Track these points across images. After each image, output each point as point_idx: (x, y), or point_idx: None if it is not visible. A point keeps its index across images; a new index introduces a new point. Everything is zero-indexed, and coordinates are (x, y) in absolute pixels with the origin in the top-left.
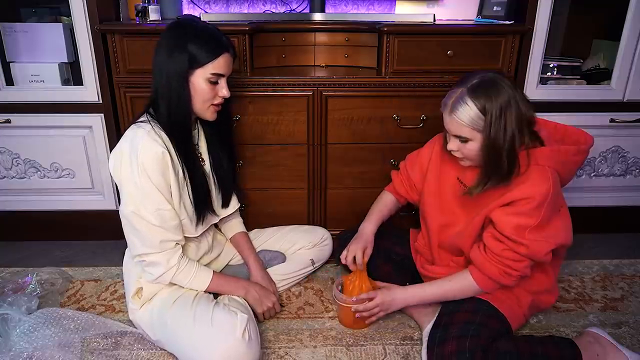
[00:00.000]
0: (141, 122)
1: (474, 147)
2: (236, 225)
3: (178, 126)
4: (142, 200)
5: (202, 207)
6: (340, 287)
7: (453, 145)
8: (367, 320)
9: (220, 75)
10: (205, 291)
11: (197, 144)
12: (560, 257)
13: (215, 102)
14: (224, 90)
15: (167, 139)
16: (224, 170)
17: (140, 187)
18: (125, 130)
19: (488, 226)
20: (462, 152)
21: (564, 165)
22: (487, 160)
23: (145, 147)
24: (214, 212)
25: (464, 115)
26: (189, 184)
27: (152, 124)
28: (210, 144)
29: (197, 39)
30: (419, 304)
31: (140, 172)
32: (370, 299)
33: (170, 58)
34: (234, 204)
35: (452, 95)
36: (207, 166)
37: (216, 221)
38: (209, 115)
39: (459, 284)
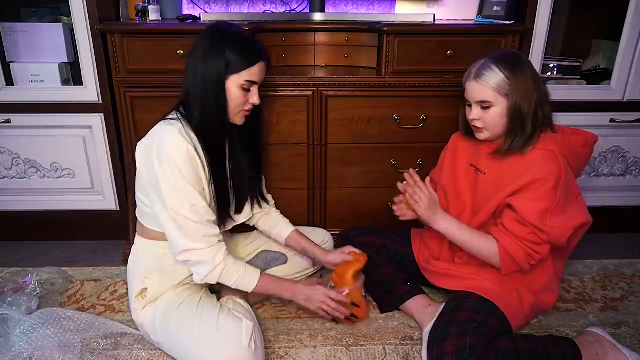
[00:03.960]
0: (171, 119)
1: (496, 113)
2: (285, 225)
3: (212, 130)
4: (178, 197)
5: (224, 209)
6: (332, 285)
7: (475, 113)
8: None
9: (253, 83)
10: (250, 292)
11: None
12: (564, 257)
13: (246, 108)
14: (255, 98)
15: (196, 139)
16: (242, 176)
17: (174, 184)
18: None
19: (507, 211)
20: (483, 120)
21: (573, 154)
22: (513, 122)
23: (177, 144)
24: (231, 217)
25: (490, 79)
26: (213, 186)
27: (183, 123)
28: (233, 149)
29: (235, 45)
30: (448, 233)
31: (173, 169)
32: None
33: (207, 61)
34: (248, 212)
35: (477, 64)
36: (227, 170)
37: (231, 227)
38: (238, 120)
39: (486, 247)
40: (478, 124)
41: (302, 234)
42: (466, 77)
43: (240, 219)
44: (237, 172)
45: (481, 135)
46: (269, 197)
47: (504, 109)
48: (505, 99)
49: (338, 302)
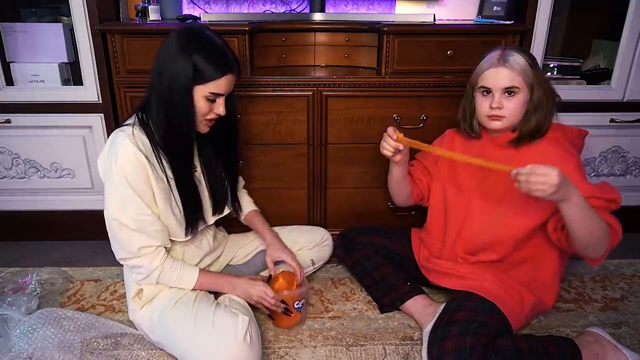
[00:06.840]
0: (125, 125)
1: (519, 101)
2: (247, 205)
3: (178, 137)
4: (123, 205)
5: (191, 213)
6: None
7: (498, 101)
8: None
9: (218, 95)
10: (193, 289)
11: None
12: (566, 256)
13: (209, 117)
14: (220, 108)
15: (149, 144)
16: (217, 178)
17: (120, 192)
18: None
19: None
20: (506, 107)
21: (572, 144)
22: (535, 111)
23: (125, 152)
24: (203, 219)
25: (517, 64)
26: (176, 190)
27: (135, 127)
28: (203, 151)
29: (203, 53)
30: (574, 208)
31: (120, 177)
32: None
33: (174, 64)
34: (225, 211)
35: (495, 54)
36: (199, 172)
37: (204, 226)
38: (202, 128)
39: (604, 227)
40: (499, 112)
41: (259, 215)
42: (487, 65)
43: (215, 218)
44: (210, 174)
45: (498, 124)
46: (244, 198)
47: (526, 98)
48: (528, 88)
49: (274, 301)
